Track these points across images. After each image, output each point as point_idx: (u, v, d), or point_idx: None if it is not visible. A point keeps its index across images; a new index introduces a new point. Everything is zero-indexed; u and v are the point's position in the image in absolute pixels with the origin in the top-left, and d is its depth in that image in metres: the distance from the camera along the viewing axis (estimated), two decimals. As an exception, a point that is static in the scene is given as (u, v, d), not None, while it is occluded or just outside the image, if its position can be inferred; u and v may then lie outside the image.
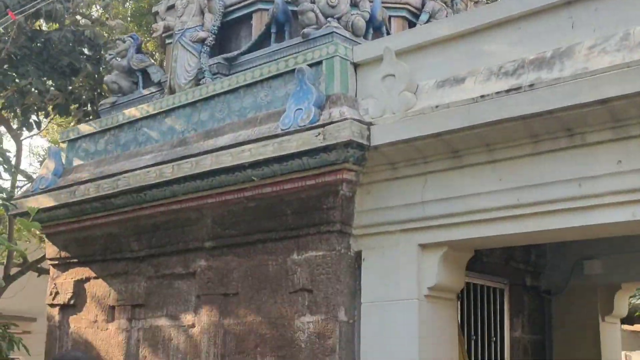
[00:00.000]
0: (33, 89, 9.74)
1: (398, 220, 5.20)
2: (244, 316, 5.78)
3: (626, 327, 20.37)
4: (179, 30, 6.94)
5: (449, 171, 4.99)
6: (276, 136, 5.41)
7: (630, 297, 18.09)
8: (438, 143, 4.89)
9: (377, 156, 5.18)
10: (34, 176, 11.51)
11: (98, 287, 7.01)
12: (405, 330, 5.05)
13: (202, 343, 6.00)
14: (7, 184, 12.16)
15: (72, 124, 11.57)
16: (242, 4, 6.95)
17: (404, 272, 5.15)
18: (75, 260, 7.21)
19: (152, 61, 8.15)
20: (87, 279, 7.12)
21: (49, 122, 14.15)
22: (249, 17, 6.91)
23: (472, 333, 6.45)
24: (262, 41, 6.58)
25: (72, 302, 7.17)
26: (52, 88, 10.38)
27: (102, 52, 10.40)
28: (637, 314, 18.41)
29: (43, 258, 11.04)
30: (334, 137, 5.06)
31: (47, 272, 7.61)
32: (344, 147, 5.06)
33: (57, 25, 10.31)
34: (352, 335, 5.29)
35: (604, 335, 7.19)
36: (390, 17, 6.86)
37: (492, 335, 6.70)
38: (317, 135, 5.14)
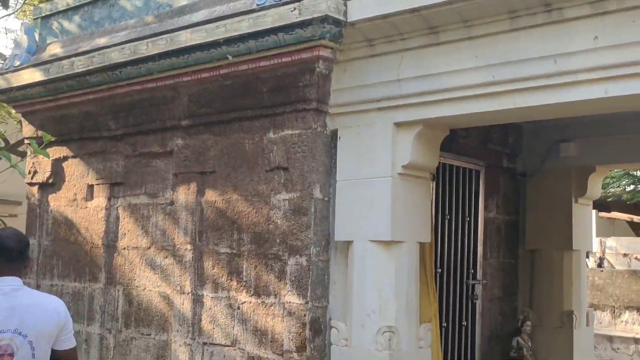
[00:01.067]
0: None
1: (374, 99, 5.18)
2: (221, 194, 5.84)
3: (603, 214, 20.85)
4: None
5: (426, 48, 4.92)
6: (251, 11, 5.29)
7: (608, 184, 18.44)
8: (415, 19, 4.80)
9: (353, 32, 5.09)
10: (11, 57, 11.25)
11: (76, 166, 7.03)
12: (379, 207, 5.12)
13: (180, 220, 6.08)
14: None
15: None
16: None
17: (379, 150, 5.17)
18: (52, 139, 7.17)
19: None
20: (65, 158, 7.12)
21: (24, 3, 13.75)
22: None
23: (447, 212, 6.58)
24: None
25: (50, 180, 7.21)
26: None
27: None
28: (609, 199, 18.82)
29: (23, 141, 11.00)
30: (309, 12, 4.96)
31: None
32: (320, 23, 4.97)
33: None
34: (327, 212, 5.37)
35: (576, 216, 7.35)
36: None
37: (467, 215, 6.84)
38: (292, 10, 5.03)
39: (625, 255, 18.20)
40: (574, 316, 7.19)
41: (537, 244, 7.41)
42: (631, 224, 21.54)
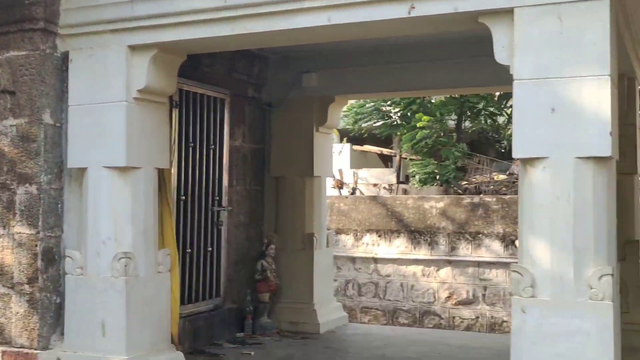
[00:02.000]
0: None
1: (106, 20, 5.01)
2: (-60, 120, 5.36)
3: (356, 147, 22.12)
4: None
5: (159, -31, 4.83)
6: None
7: (360, 119, 19.50)
8: (146, -63, 4.68)
9: (82, -52, 4.86)
10: None
11: None
12: (113, 132, 5.03)
13: None
14: None
15: None
16: None
17: (112, 74, 5.05)
18: None
19: None
20: None
21: None
22: None
23: (191, 140, 6.60)
24: None
25: None
26: None
27: None
28: (364, 134, 20.01)
29: None
30: None
31: None
32: None
33: None
34: (58, 138, 5.17)
35: (317, 144, 7.69)
36: None
37: (212, 143, 6.91)
38: None
39: (375, 185, 19.53)
40: (314, 238, 7.60)
41: (282, 171, 7.69)
42: (381, 156, 23.14)
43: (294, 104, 7.64)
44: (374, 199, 11.74)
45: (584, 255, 3.91)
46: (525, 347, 4.01)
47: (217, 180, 7.00)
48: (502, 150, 21.46)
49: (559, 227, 3.93)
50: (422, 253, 10.93)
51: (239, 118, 7.38)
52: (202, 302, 6.73)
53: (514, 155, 4.11)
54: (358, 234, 11.37)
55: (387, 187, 19.25)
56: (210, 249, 6.86)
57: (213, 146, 6.92)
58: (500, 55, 4.18)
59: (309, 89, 7.53)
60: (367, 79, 7.44)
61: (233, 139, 7.26)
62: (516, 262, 4.20)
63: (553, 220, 3.95)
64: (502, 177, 16.97)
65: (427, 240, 10.92)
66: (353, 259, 11.34)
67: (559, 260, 3.93)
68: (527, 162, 4.06)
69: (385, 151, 22.29)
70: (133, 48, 5.03)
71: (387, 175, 20.48)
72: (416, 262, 10.94)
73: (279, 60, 7.69)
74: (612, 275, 3.89)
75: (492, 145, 21.35)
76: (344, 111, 19.16)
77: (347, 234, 11.41)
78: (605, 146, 3.88)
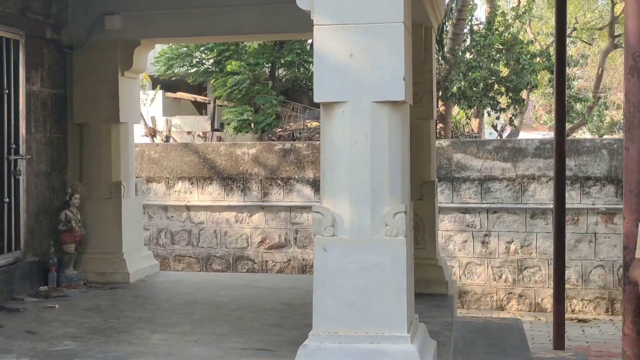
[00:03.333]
0: None
1: None
2: None
3: (169, 94, 21.68)
4: None
5: None
6: None
7: (173, 65, 19.08)
8: None
9: None
10: None
11: None
12: None
13: None
14: None
15: None
16: None
17: None
18: None
19: None
20: None
21: None
22: None
23: (-19, 84, 6.14)
24: None
25: None
26: None
27: None
28: (178, 81, 19.64)
29: None
30: None
31: None
32: None
33: None
34: None
35: (123, 89, 7.43)
36: None
37: (5, 87, 6.47)
38: None
39: (189, 132, 19.31)
40: (122, 187, 7.40)
41: (86, 118, 7.36)
42: (195, 103, 22.85)
43: (97, 47, 7.30)
44: (186, 146, 11.59)
45: (380, 195, 4.10)
46: (327, 284, 4.17)
47: (12, 127, 6.57)
48: (315, 98, 21.90)
49: (356, 168, 4.10)
50: (235, 199, 11.00)
51: (37, 61, 6.95)
52: (0, 255, 6.36)
53: (315, 99, 4.20)
54: (170, 182, 11.20)
55: (201, 134, 19.10)
56: (7, 200, 6.46)
57: (7, 91, 6.47)
58: (302, 0, 4.22)
59: (112, 31, 7.23)
60: (173, 23, 7.26)
61: (30, 83, 6.83)
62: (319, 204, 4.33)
63: (351, 162, 4.10)
64: (315, 124, 17.38)
65: (240, 186, 10.99)
66: (165, 208, 11.18)
67: (357, 200, 4.11)
68: (328, 106, 4.16)
69: (199, 98, 22.03)
70: None
71: (202, 123, 20.30)
72: (229, 208, 11.00)
73: (79, 1, 7.29)
74: (405, 212, 4.12)
75: (306, 93, 21.76)
76: (156, 57, 18.62)
77: (159, 182, 11.21)
78: (399, 91, 4.06)
